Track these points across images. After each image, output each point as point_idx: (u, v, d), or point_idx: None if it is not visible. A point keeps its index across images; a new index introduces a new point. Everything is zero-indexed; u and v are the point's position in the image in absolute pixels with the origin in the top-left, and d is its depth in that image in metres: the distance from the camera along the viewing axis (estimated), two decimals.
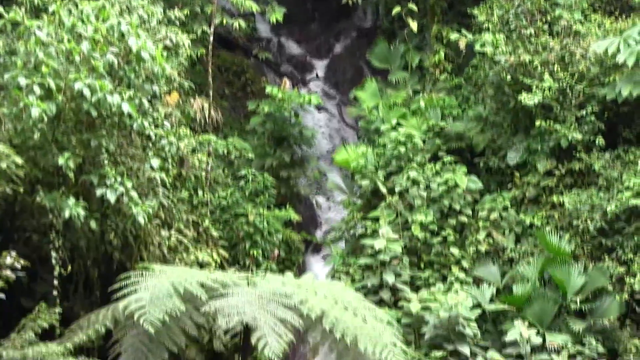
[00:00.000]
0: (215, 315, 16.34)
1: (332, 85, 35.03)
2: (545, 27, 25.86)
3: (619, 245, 23.12)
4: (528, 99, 24.37)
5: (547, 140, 24.69)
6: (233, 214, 24.56)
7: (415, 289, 24.26)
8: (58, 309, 16.92)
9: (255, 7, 27.05)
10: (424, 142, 26.75)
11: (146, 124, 18.19)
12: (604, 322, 22.80)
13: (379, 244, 23.94)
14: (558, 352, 21.99)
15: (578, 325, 22.70)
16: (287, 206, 26.52)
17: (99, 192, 17.41)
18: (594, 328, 22.84)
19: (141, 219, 17.90)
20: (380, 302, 23.34)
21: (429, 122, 27.53)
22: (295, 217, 26.38)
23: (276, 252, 25.37)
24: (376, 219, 25.06)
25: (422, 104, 28.30)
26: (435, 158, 26.49)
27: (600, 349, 22.21)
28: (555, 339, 22.36)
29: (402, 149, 25.91)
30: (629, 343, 22.29)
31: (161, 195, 19.34)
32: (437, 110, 28.01)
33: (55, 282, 17.52)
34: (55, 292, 17.40)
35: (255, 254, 24.34)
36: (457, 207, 25.15)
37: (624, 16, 25.94)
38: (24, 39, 16.88)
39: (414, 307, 23.05)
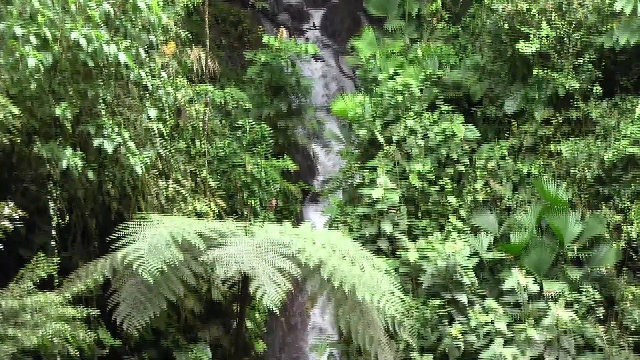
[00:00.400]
0: (213, 265, 16.40)
1: (330, 35, 34.85)
2: None
3: (616, 193, 23.17)
4: (526, 48, 24.28)
5: (545, 89, 24.65)
6: (230, 164, 24.55)
7: (413, 238, 24.33)
8: (56, 259, 16.91)
9: None
10: (421, 91, 26.67)
11: (143, 74, 18.11)
12: (601, 269, 22.91)
13: (376, 193, 23.97)
14: (555, 300, 22.10)
15: (575, 273, 22.81)
16: (285, 156, 26.47)
17: (96, 142, 17.36)
18: (591, 276, 22.96)
19: (139, 169, 17.87)
20: (378, 252, 23.42)
21: (426, 71, 27.41)
22: (292, 166, 26.36)
23: (274, 201, 25.40)
24: (374, 169, 25.07)
25: (419, 53, 28.16)
26: (432, 107, 26.44)
27: (597, 296, 22.33)
28: (553, 287, 22.48)
29: (400, 98, 25.86)
30: (626, 290, 22.41)
31: (158, 146, 19.31)
32: (434, 59, 27.88)
33: (53, 233, 17.50)
34: (53, 243, 17.40)
35: (252, 203, 24.36)
36: (455, 156, 25.16)
37: None
38: None
39: (412, 256, 23.13)
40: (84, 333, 17.33)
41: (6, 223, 15.85)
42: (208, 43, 24.31)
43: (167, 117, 19.95)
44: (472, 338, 21.90)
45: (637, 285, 22.60)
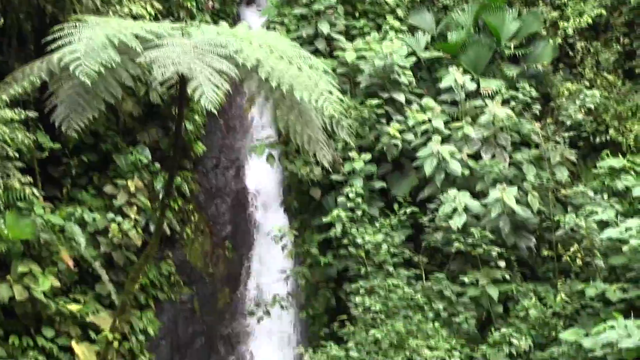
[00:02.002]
0: (150, 67, 16.21)
1: None
2: None
3: None
4: None
5: None
6: None
7: (351, 38, 24.22)
8: None
9: None
10: None
11: None
12: (538, 66, 23.17)
13: None
14: (492, 97, 22.35)
15: (512, 71, 23.03)
16: None
17: None
18: (528, 73, 23.24)
19: None
20: (316, 52, 23.30)
21: None
22: None
23: (210, 3, 25.02)
24: None
25: None
26: None
27: (534, 93, 22.62)
28: (490, 85, 22.68)
29: None
30: (562, 87, 22.75)
31: None
32: None
33: None
34: None
35: (189, 5, 23.97)
36: None
37: None
38: None
39: (349, 56, 23.10)
40: (23, 135, 17.27)
41: None
42: None
43: None
44: (409, 136, 22.19)
45: (573, 82, 22.94)
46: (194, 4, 24.15)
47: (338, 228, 21.15)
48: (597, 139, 22.50)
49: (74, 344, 19.35)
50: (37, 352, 18.77)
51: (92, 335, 19.80)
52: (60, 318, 19.41)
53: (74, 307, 19.59)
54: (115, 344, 18.63)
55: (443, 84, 22.64)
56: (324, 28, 23.70)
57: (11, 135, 16.73)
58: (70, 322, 19.60)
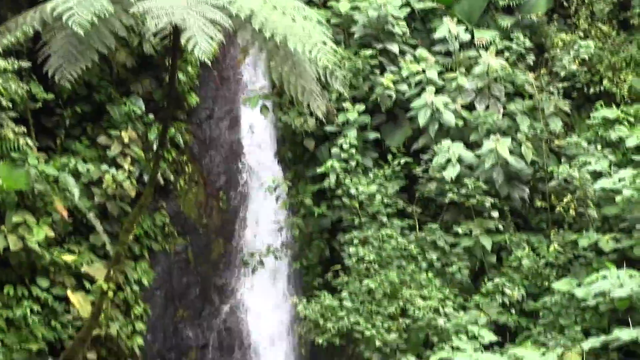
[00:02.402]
0: (144, 17, 16.14)
1: None
2: None
3: None
4: None
5: None
6: None
7: None
8: None
9: None
10: None
11: None
12: (532, 17, 23.08)
13: None
14: (486, 48, 22.30)
15: (506, 21, 22.96)
16: None
17: None
18: (522, 23, 23.16)
19: None
20: (309, 3, 23.10)
21: None
22: None
23: None
24: None
25: None
26: None
27: (528, 43, 22.59)
28: (484, 35, 22.62)
29: None
30: (556, 37, 22.67)
31: None
32: None
33: None
34: None
35: None
36: None
37: None
38: None
39: (343, 6, 23.00)
40: (16, 85, 17.23)
41: None
42: None
43: None
44: (403, 87, 22.16)
45: (567, 32, 22.88)
46: None
47: (332, 179, 21.19)
48: (591, 90, 22.49)
49: (69, 293, 19.48)
50: (31, 302, 18.91)
51: (87, 285, 19.92)
52: (54, 268, 19.51)
53: (68, 258, 19.68)
54: (110, 294, 18.74)
55: (437, 35, 22.57)
56: None
57: (4, 85, 16.72)
58: (65, 272, 19.71)
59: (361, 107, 22.05)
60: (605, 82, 22.32)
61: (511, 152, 20.55)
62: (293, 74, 17.74)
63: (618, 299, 17.29)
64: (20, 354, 18.59)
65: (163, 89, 22.72)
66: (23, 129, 18.58)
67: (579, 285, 18.42)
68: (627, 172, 19.31)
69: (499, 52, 22.25)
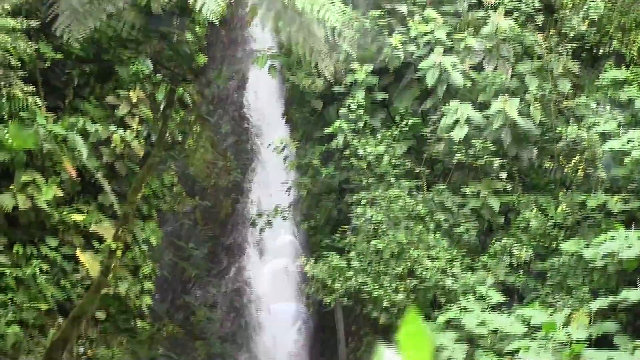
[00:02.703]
0: None
1: None
2: None
3: None
4: None
5: None
6: None
7: None
8: None
9: None
10: None
11: None
12: None
13: None
14: (495, 8, 22.18)
15: None
16: None
17: None
18: None
19: None
20: None
21: None
22: None
23: None
24: None
25: None
26: None
27: (537, 4, 22.46)
28: None
29: None
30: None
31: None
32: None
33: None
34: None
35: None
36: None
37: None
38: None
39: None
40: (25, 44, 17.16)
41: None
42: None
43: None
44: (411, 48, 22.08)
45: None
46: None
47: (340, 139, 21.19)
48: (601, 51, 22.39)
49: (78, 252, 19.54)
50: (40, 261, 18.98)
51: (96, 244, 19.97)
52: (63, 227, 19.56)
53: (77, 217, 19.73)
54: (119, 253, 18.77)
55: None
56: None
57: (13, 44, 16.64)
58: (74, 231, 19.76)
59: (369, 67, 21.98)
60: (614, 42, 22.21)
61: (519, 113, 20.50)
62: (301, 34, 17.65)
63: (626, 259, 17.31)
64: (29, 312, 18.68)
65: (171, 49, 22.64)
66: (32, 88, 18.54)
67: (587, 246, 18.44)
68: (637, 133, 19.28)
69: (508, 13, 22.12)
